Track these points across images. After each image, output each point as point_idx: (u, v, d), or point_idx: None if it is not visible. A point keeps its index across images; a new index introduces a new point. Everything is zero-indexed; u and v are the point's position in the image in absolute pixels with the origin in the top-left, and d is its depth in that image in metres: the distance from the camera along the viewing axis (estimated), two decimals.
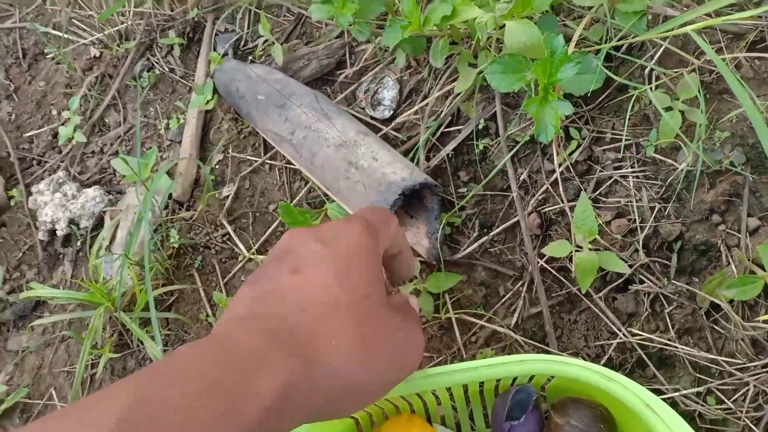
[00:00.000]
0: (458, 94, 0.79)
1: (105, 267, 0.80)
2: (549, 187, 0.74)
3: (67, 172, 0.86)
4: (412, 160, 0.78)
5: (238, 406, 0.26)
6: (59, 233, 0.82)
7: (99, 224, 0.83)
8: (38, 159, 0.90)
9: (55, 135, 0.90)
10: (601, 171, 0.72)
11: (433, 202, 0.71)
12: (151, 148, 0.86)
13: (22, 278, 0.84)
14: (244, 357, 0.28)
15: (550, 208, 0.74)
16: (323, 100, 0.79)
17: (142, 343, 0.76)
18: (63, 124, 0.89)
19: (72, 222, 0.81)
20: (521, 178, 0.76)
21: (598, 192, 0.72)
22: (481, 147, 0.78)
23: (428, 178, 0.68)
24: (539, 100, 0.61)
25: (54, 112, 0.92)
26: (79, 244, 0.83)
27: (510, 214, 0.76)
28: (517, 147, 0.72)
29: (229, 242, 0.84)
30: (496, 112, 0.77)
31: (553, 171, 0.74)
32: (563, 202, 0.72)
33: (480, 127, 0.78)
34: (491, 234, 0.76)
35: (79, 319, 0.81)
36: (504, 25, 0.63)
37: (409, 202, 0.72)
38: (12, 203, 0.87)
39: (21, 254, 0.85)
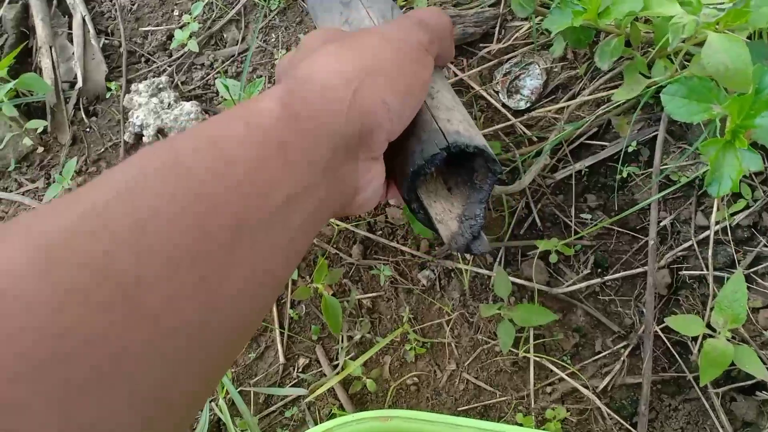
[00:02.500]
0: (615, 104, 0.66)
1: None
2: (695, 245, 0.61)
3: (170, 78, 0.80)
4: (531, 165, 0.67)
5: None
6: (145, 139, 0.77)
7: None
8: (147, 57, 0.85)
9: (170, 37, 0.85)
10: (765, 246, 0.58)
11: (486, 182, 0.48)
12: (261, 76, 0.79)
13: (97, 173, 0.80)
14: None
15: (688, 272, 0.61)
16: (398, 11, 0.61)
17: None
18: (180, 28, 0.83)
19: (161, 131, 0.76)
20: (661, 224, 0.63)
21: (754, 269, 0.59)
22: (624, 174, 0.65)
23: (489, 148, 0.46)
24: (723, 144, 0.48)
25: (176, 13, 0.86)
26: None
27: (635, 260, 0.64)
28: (670, 189, 0.59)
29: None
30: (655, 137, 0.64)
31: (706, 227, 0.61)
32: (707, 269, 0.59)
33: (629, 149, 0.65)
34: (606, 278, 0.64)
35: None
36: (704, 37, 0.51)
37: (455, 170, 0.51)
38: (108, 95, 0.83)
39: (103, 149, 0.81)
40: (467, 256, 0.67)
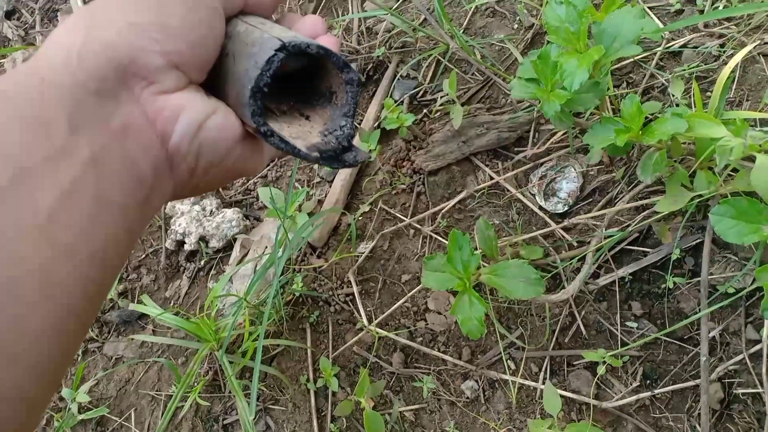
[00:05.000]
0: (656, 211, 0.66)
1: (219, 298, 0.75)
2: (747, 359, 0.59)
3: None
4: (576, 272, 0.67)
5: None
6: (187, 247, 0.78)
7: (228, 247, 0.78)
8: None
9: None
10: None
11: (347, 97, 0.41)
12: (300, 184, 0.80)
13: (138, 281, 0.81)
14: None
15: (742, 389, 0.59)
16: None
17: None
18: None
19: (202, 239, 0.77)
20: (710, 334, 0.62)
21: None
22: (671, 284, 0.64)
23: (337, 53, 0.38)
24: None
25: None
26: (202, 263, 0.78)
27: (685, 372, 0.62)
28: (722, 304, 0.58)
29: (350, 304, 0.76)
30: (698, 245, 0.64)
31: (758, 341, 0.59)
32: (761, 386, 0.58)
33: (674, 257, 0.65)
34: (656, 391, 0.62)
35: (179, 345, 0.76)
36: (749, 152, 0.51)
37: (310, 100, 0.43)
38: None
39: (144, 256, 0.82)
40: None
